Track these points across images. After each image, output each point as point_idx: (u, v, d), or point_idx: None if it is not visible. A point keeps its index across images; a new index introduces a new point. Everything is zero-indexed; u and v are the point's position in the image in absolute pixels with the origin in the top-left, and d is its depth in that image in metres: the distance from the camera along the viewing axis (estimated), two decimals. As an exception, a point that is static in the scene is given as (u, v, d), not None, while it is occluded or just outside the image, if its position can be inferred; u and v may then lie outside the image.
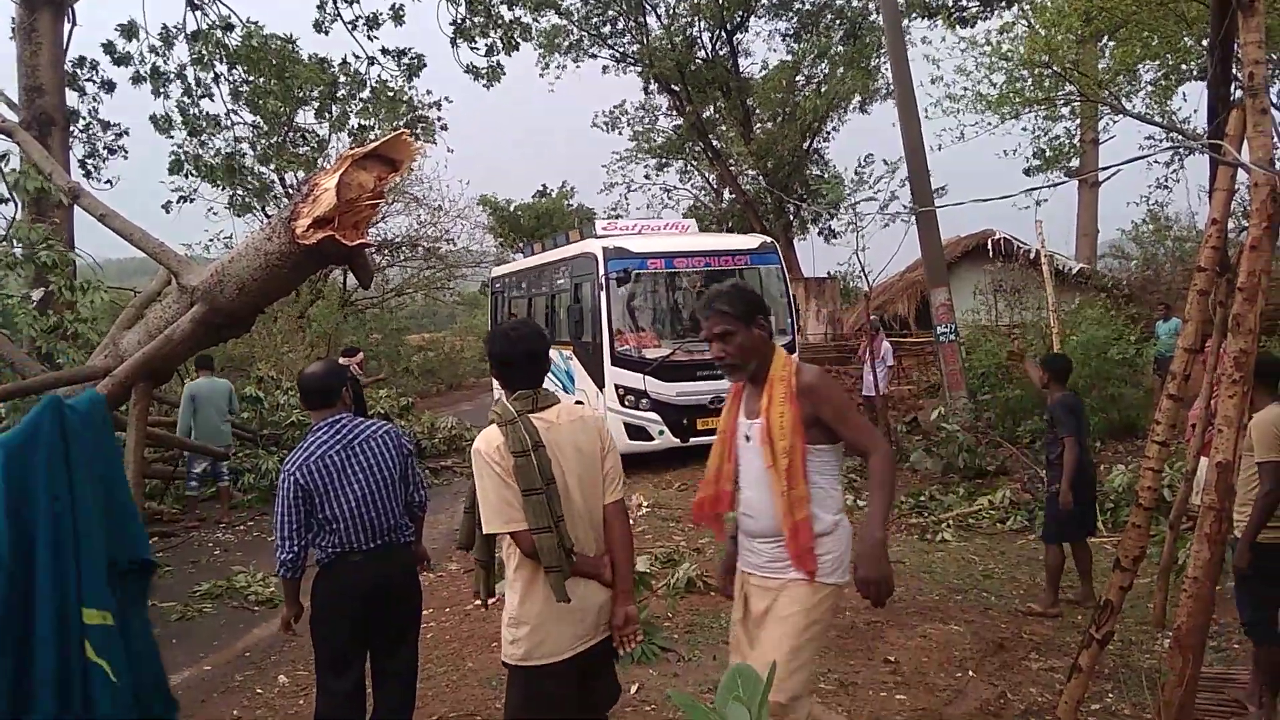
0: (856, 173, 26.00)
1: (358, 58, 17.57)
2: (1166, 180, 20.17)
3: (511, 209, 35.01)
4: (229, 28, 15.31)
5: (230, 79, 16.50)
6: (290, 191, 20.86)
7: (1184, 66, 16.31)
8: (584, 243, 12.61)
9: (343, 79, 18.27)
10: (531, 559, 3.01)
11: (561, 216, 34.45)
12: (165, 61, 15.83)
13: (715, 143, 27.24)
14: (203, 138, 17.44)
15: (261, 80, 16.50)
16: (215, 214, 19.62)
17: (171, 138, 16.54)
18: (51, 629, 2.20)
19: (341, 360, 9.89)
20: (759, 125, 26.42)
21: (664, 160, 30.30)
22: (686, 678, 5.26)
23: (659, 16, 26.09)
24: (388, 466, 3.89)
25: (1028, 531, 8.50)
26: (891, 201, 22.60)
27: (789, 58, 25.89)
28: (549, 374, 13.48)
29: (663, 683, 5.18)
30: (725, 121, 26.90)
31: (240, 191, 19.76)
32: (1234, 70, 3.68)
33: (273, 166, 20.01)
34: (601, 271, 11.43)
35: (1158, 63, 15.68)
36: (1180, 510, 5.81)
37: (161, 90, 16.03)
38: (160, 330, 7.04)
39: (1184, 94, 24.51)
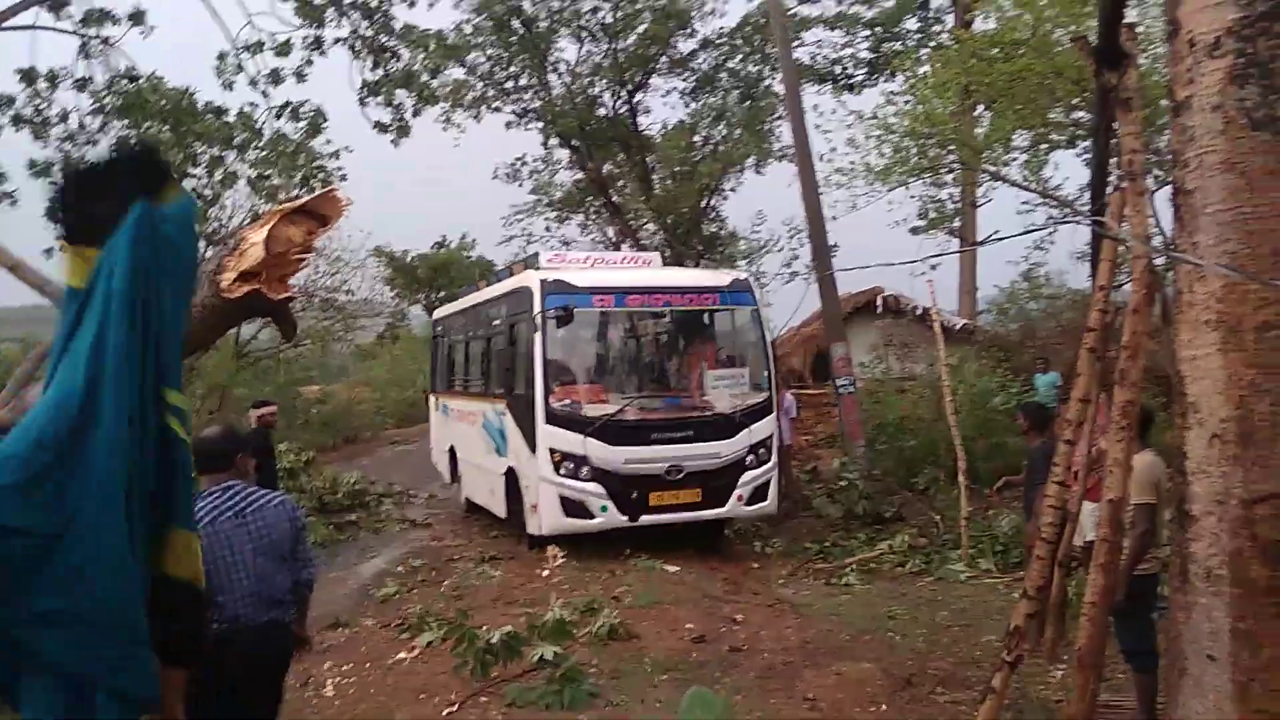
0: (753, 231, 26.83)
1: (254, 105, 17.38)
2: (1043, 243, 21.54)
3: (409, 259, 34.81)
4: (134, 79, 15.03)
5: (120, 126, 16.15)
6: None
7: (1053, 137, 17.59)
8: (520, 276, 10.60)
9: (240, 130, 18.03)
10: None
11: (460, 268, 34.40)
12: (49, 106, 15.43)
13: (615, 198, 27.77)
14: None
15: (154, 129, 16.20)
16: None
17: (54, 183, 15.98)
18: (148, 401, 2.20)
19: (253, 412, 9.74)
20: (658, 182, 27.09)
21: (564, 214, 30.66)
22: (615, 722, 5.39)
23: (560, 74, 26.63)
24: (279, 539, 3.75)
25: (925, 574, 8.95)
26: (794, 260, 23.37)
27: (687, 118, 26.72)
28: (483, 433, 12.78)
29: (593, 727, 5.31)
30: (625, 178, 27.50)
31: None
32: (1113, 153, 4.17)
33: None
34: (537, 309, 9.40)
35: (1030, 133, 16.87)
36: (1067, 550, 6.28)
37: (43, 135, 15.58)
38: (70, 382, 6.90)
39: (1055, 163, 26.26)
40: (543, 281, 9.60)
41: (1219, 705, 3.92)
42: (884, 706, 5.50)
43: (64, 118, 15.49)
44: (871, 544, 9.82)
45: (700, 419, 9.61)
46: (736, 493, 9.55)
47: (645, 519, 9.31)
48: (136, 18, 14.94)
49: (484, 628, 6.41)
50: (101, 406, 2.12)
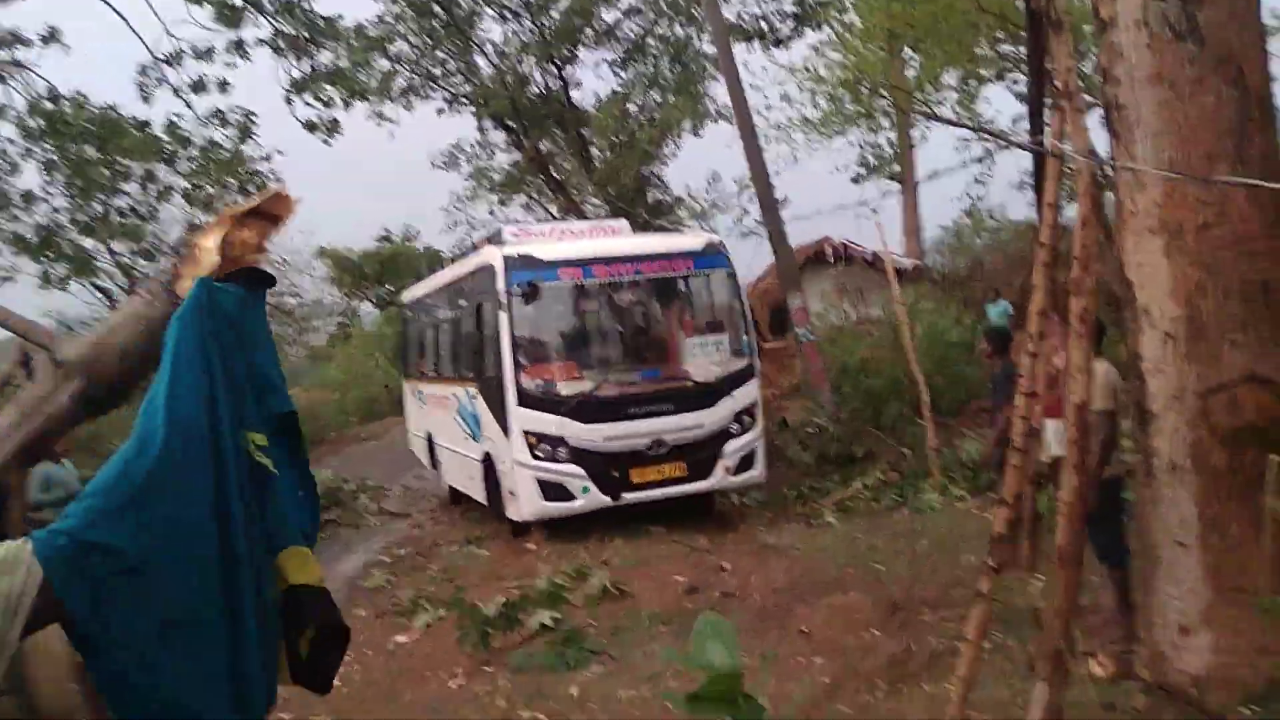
0: (708, 193, 26.84)
1: (179, 115, 17.05)
2: (981, 176, 21.97)
3: (355, 257, 34.46)
4: (55, 99, 14.70)
5: (43, 151, 15.81)
6: (121, 261, 20.04)
7: (982, 72, 17.92)
8: (482, 252, 10.21)
9: (169, 142, 17.69)
10: None
11: (407, 260, 34.14)
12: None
13: (556, 175, 27.69)
14: (16, 213, 16.63)
15: (82, 149, 15.87)
16: (44, 289, 18.68)
17: None
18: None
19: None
20: (598, 155, 27.05)
21: (506, 196, 30.50)
22: (621, 675, 5.55)
23: (488, 56, 26.40)
24: None
25: (901, 506, 9.21)
26: (744, 217, 23.50)
27: (619, 88, 26.66)
28: (457, 418, 12.12)
29: (600, 684, 5.45)
30: (564, 154, 27.41)
31: (61, 266, 18.86)
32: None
33: (95, 238, 19.13)
34: (501, 287, 9.05)
35: (960, 70, 17.20)
36: (1034, 466, 6.54)
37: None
38: (33, 409, 6.84)
39: (986, 98, 26.69)
40: (506, 257, 9.24)
41: (1193, 588, 4.18)
42: (875, 631, 5.71)
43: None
44: (846, 484, 10.06)
45: (680, 390, 9.36)
46: (722, 463, 9.31)
47: (629, 497, 9.00)
48: (50, 38, 14.55)
49: (480, 603, 6.53)
50: (177, 446, 2.31)
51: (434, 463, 12.92)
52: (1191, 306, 4.02)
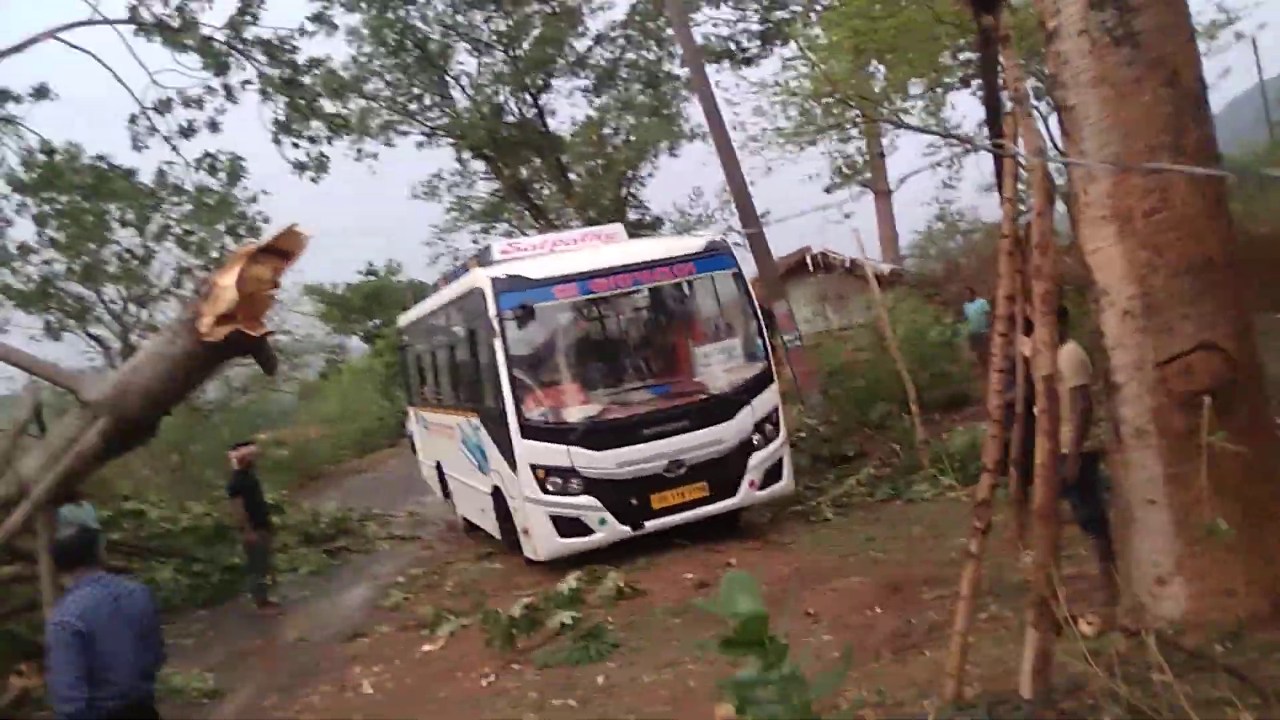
0: (691, 207, 27.23)
1: (170, 163, 17.43)
2: (951, 180, 22.56)
3: (340, 292, 34.78)
4: (50, 153, 15.06)
5: (37, 204, 16.18)
6: (112, 308, 20.34)
7: (945, 80, 18.48)
8: (471, 275, 9.53)
9: (160, 191, 18.05)
10: None
11: (391, 292, 34.45)
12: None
13: (536, 201, 28.12)
14: (13, 265, 16.97)
15: (75, 199, 16.24)
16: (35, 340, 18.99)
17: None
18: None
19: (232, 454, 9.98)
20: (576, 179, 27.50)
21: (488, 224, 30.87)
22: (642, 664, 5.89)
23: (463, 89, 26.86)
24: (147, 623, 4.17)
25: (894, 499, 9.59)
26: (728, 232, 23.95)
27: (593, 113, 27.16)
28: (463, 448, 11.81)
29: (624, 672, 5.80)
30: (543, 180, 27.86)
31: (55, 315, 19.15)
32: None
33: (92, 284, 19.45)
34: (493, 311, 8.49)
35: (924, 79, 17.72)
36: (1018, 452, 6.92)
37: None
38: (63, 450, 7.11)
39: (952, 104, 27.34)
40: (494, 279, 8.69)
41: (1164, 541, 4.57)
42: (878, 609, 6.08)
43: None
44: (840, 481, 10.43)
45: (694, 404, 8.79)
46: (748, 478, 8.77)
47: (651, 525, 8.44)
48: (40, 93, 14.89)
49: (501, 609, 6.86)
50: None
51: (445, 493, 12.45)
52: (1145, 285, 4.42)
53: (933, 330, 13.83)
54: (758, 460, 8.87)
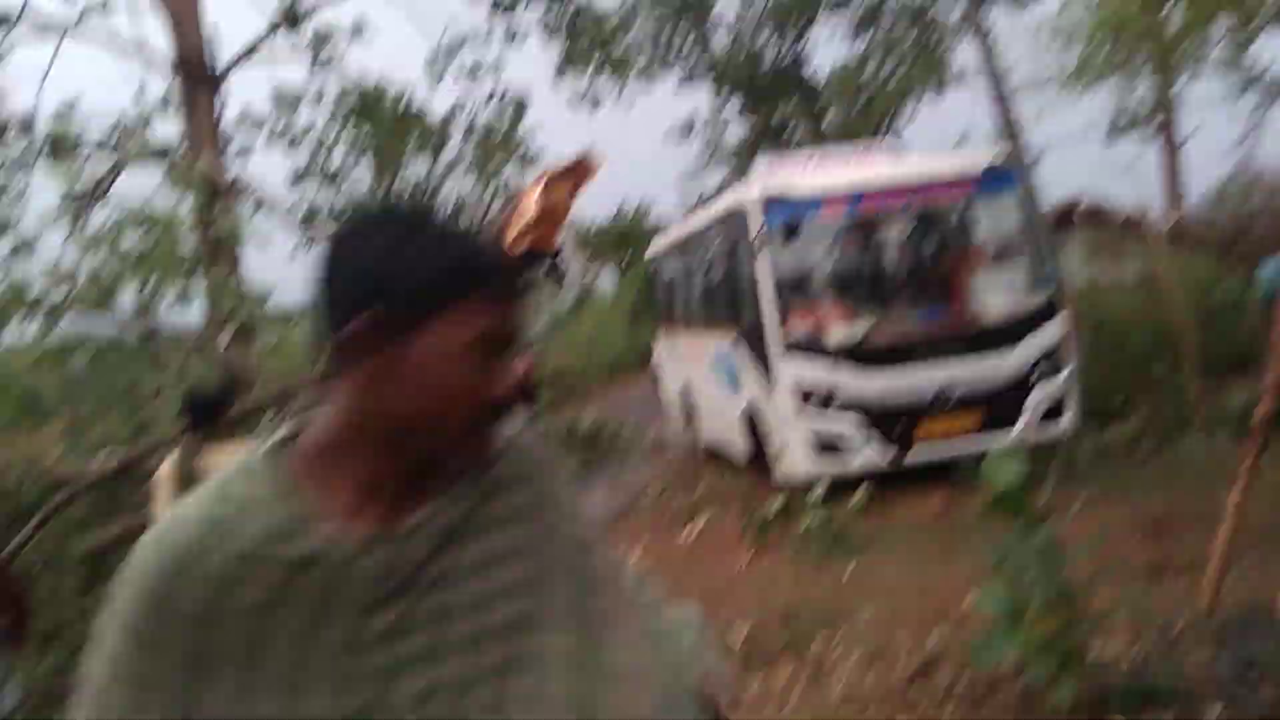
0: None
1: (460, 105, 19.18)
2: (1257, 131, 20.47)
3: (590, 234, 36.33)
4: (360, 90, 17.03)
5: (351, 134, 18.37)
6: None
7: (1253, 21, 16.80)
8: (734, 192, 9.35)
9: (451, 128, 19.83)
10: None
11: (638, 237, 35.58)
12: (294, 122, 17.69)
13: (789, 143, 28.18)
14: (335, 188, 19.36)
15: (379, 133, 18.31)
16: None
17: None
18: None
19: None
20: (829, 122, 27.32)
21: (740, 166, 31.27)
22: (886, 567, 6.22)
23: (724, 34, 27.24)
24: None
25: (1162, 451, 9.24)
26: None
27: (852, 59, 26.73)
28: (714, 370, 10.74)
29: (868, 570, 6.19)
30: (797, 121, 27.91)
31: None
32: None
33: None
34: (755, 230, 8.37)
35: (1233, 15, 16.24)
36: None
37: (295, 145, 17.85)
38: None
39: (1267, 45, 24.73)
40: (760, 194, 8.50)
41: None
42: (1137, 539, 6.08)
43: (306, 131, 17.70)
44: (1103, 431, 10.10)
45: (971, 330, 8.44)
46: (1025, 414, 8.34)
47: (913, 454, 8.16)
48: (357, 31, 16.67)
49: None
50: None
51: (688, 420, 12.30)
52: None
53: (1218, 289, 12.88)
54: (1038, 395, 8.44)
